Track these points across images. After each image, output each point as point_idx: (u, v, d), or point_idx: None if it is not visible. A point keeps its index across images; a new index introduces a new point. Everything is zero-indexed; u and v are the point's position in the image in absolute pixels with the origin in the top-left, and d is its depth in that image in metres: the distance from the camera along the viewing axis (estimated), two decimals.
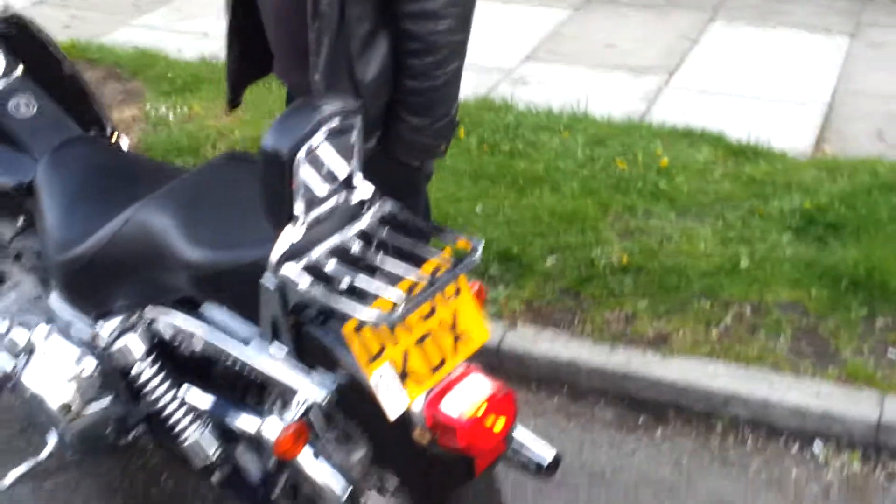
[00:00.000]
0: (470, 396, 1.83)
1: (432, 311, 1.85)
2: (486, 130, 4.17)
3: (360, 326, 1.76)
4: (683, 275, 3.31)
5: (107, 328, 2.18)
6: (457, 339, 1.88)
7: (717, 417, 2.94)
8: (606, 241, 3.50)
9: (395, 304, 1.70)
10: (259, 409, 2.18)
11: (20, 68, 2.43)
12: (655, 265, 3.36)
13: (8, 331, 2.46)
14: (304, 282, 1.73)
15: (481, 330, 1.93)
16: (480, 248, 1.81)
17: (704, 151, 4.07)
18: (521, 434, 2.04)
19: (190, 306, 2.09)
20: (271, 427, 1.86)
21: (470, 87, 4.26)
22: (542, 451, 2.02)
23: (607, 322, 3.19)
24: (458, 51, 2.12)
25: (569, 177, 3.87)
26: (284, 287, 1.77)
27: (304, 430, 1.88)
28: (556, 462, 2.03)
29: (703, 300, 3.22)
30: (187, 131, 4.16)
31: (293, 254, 1.75)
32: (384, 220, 1.87)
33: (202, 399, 2.19)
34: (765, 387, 2.94)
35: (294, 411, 1.86)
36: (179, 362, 2.22)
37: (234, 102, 2.52)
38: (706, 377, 2.99)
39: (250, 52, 2.40)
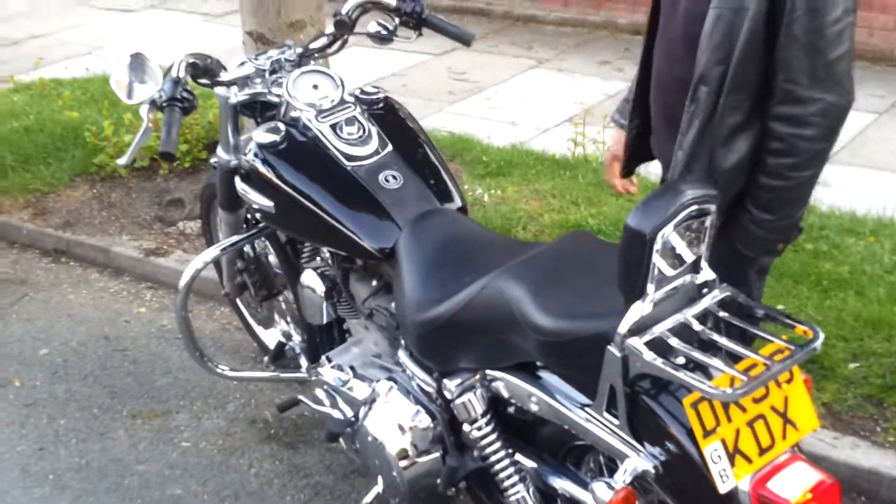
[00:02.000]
0: (798, 482, 1.88)
1: (765, 395, 1.93)
2: None
3: (699, 402, 1.86)
4: None
5: (451, 385, 2.37)
6: (786, 424, 1.94)
7: None
8: None
9: (735, 382, 1.79)
10: (579, 474, 2.32)
11: (390, 146, 2.71)
12: None
13: (347, 382, 2.72)
14: (649, 354, 1.85)
15: (811, 418, 1.98)
16: (822, 338, 1.88)
17: None
18: None
19: (524, 373, 2.25)
20: (603, 490, 1.96)
21: None
22: None
23: None
24: (818, 159, 2.21)
25: (875, 282, 3.81)
26: (628, 357, 1.89)
27: (633, 497, 1.97)
28: None
29: None
30: (501, 212, 4.40)
31: (639, 328, 1.88)
32: (723, 304, 1.97)
33: (529, 459, 2.35)
34: None
35: (623, 477, 1.96)
36: (507, 423, 2.39)
37: (626, 172, 2.74)
38: None
39: (647, 132, 2.59)
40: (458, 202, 2.70)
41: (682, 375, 1.82)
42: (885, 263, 3.94)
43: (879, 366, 3.36)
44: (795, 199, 2.27)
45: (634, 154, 2.69)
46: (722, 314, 1.95)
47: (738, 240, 2.34)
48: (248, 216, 3.16)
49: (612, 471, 2.01)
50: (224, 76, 2.81)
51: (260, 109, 2.89)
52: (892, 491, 2.99)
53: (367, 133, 2.70)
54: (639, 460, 1.97)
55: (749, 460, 1.89)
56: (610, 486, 1.96)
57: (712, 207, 1.87)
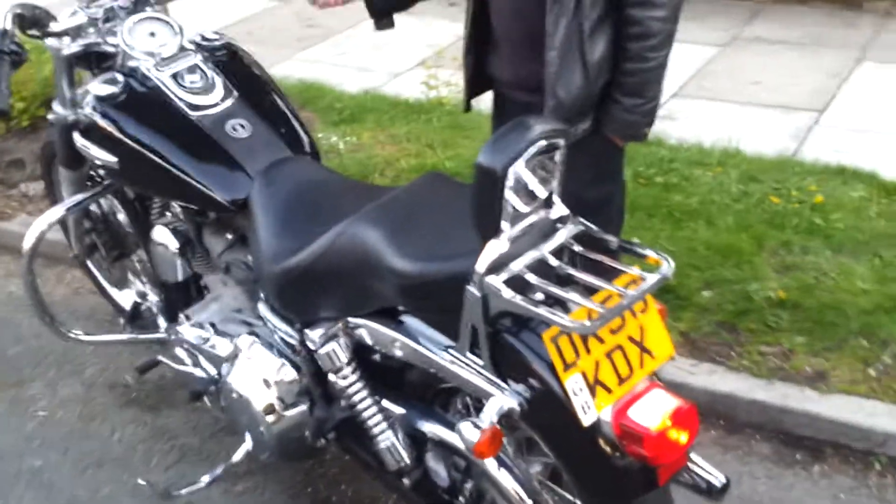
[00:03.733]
0: (657, 408, 1.91)
1: (622, 325, 1.95)
2: (640, 164, 4.26)
3: (558, 336, 1.87)
4: (841, 312, 3.32)
5: (313, 335, 2.33)
6: (643, 353, 1.98)
7: (875, 456, 2.93)
8: (763, 276, 3.53)
9: (592, 315, 1.81)
10: (447, 416, 2.32)
11: (235, 93, 2.63)
12: (812, 301, 3.38)
13: (208, 339, 2.66)
14: (507, 292, 1.85)
15: (667, 346, 2.02)
16: (672, 266, 1.91)
17: (859, 189, 4.08)
18: (693, 456, 2.11)
19: (386, 318, 2.23)
20: (469, 430, 1.96)
21: None
22: (714, 474, 2.08)
23: (764, 357, 3.22)
24: (669, 38, 2.49)
25: (723, 211, 3.93)
26: (487, 296, 1.89)
27: (500, 435, 1.98)
28: (725, 487, 2.08)
29: (861, 338, 3.23)
30: (357, 159, 4.37)
31: (496, 266, 1.88)
32: (578, 238, 1.98)
33: (396, 405, 2.34)
34: None
35: (489, 416, 1.96)
36: (373, 370, 2.38)
37: (467, 106, 2.95)
38: (864, 415, 2.98)
39: (483, 65, 2.79)
40: (309, 149, 2.65)
41: (541, 311, 1.82)
42: (733, 192, 4.07)
43: (731, 292, 3.47)
44: (656, 81, 2.53)
45: (472, 90, 2.87)
46: (577, 248, 1.96)
47: (611, 130, 2.59)
48: (93, 173, 3.03)
49: (480, 411, 2.00)
50: (54, 27, 2.69)
51: (96, 60, 2.77)
52: (750, 413, 3.11)
53: (210, 81, 2.62)
54: (504, 398, 1.97)
55: (609, 390, 1.91)
56: (477, 426, 1.95)
57: (562, 142, 1.87)
